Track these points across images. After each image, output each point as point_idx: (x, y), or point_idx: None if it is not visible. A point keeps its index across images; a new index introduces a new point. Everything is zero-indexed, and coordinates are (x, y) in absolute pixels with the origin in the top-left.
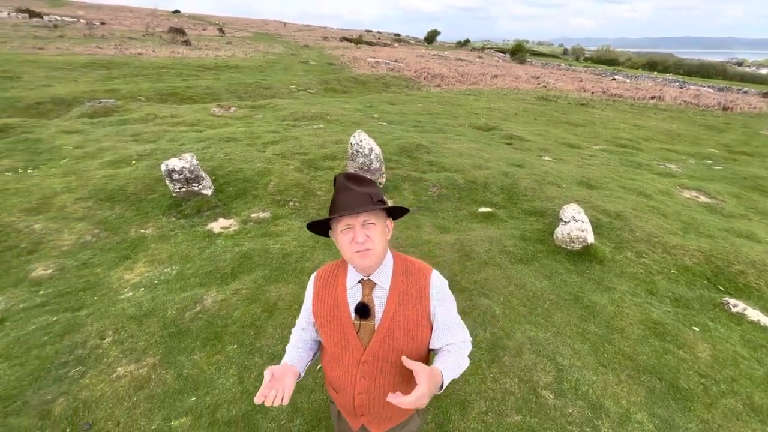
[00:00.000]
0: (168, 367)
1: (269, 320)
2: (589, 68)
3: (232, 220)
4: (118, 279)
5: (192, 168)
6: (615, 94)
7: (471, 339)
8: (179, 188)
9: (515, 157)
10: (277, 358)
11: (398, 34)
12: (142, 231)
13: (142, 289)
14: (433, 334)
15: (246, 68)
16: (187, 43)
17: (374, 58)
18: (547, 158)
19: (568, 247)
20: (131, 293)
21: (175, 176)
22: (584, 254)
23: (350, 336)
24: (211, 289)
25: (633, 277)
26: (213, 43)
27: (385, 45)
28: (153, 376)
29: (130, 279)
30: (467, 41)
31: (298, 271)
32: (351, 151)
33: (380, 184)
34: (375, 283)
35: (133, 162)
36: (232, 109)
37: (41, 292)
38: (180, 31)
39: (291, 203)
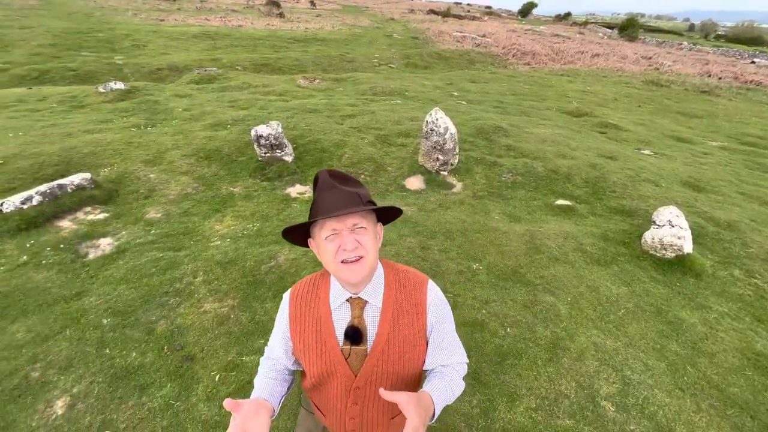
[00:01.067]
0: (244, 310)
1: None
2: (719, 48)
3: (307, 186)
4: (209, 228)
5: (277, 135)
6: (751, 81)
7: (468, 361)
8: (264, 153)
9: (607, 148)
10: None
11: (489, 7)
12: (232, 189)
13: (228, 239)
14: (427, 353)
15: (332, 41)
16: (281, 15)
17: (460, 32)
18: (647, 152)
19: (658, 254)
20: (219, 242)
21: (262, 141)
22: (677, 264)
23: (339, 364)
24: (284, 248)
25: (738, 298)
26: (304, 16)
27: (474, 18)
28: (232, 316)
29: (219, 230)
30: (568, 14)
31: None
32: (426, 129)
33: (452, 165)
34: (366, 302)
35: (228, 126)
36: (317, 81)
37: (152, 232)
38: (275, 4)
39: (362, 176)
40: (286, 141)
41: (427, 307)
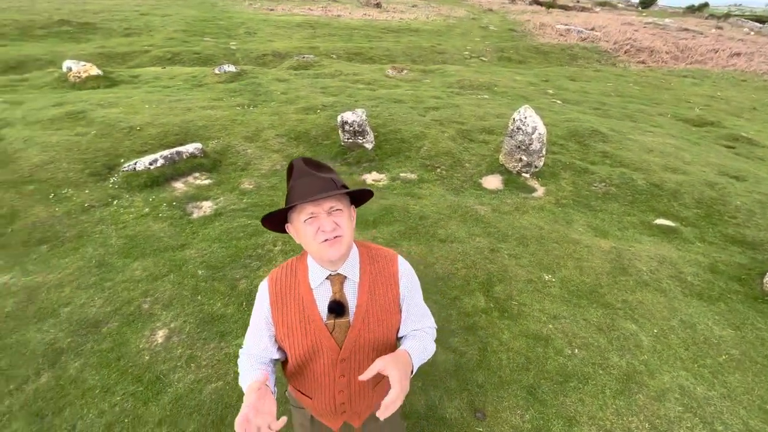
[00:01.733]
0: None
1: None
2: None
3: (383, 174)
4: None
5: (361, 122)
6: None
7: (436, 326)
8: (347, 139)
9: (733, 166)
10: None
11: None
12: None
13: None
14: (401, 322)
15: (425, 32)
16: (378, 5)
17: (565, 24)
18: None
19: None
20: None
21: (347, 128)
22: None
23: (324, 338)
24: (356, 229)
25: None
26: (400, 6)
27: (583, 9)
28: None
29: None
30: (704, 5)
31: (430, 235)
32: (511, 127)
33: (535, 167)
34: (345, 277)
35: (318, 111)
36: (405, 71)
37: (244, 200)
38: None
39: (438, 170)
40: (368, 129)
41: (399, 279)
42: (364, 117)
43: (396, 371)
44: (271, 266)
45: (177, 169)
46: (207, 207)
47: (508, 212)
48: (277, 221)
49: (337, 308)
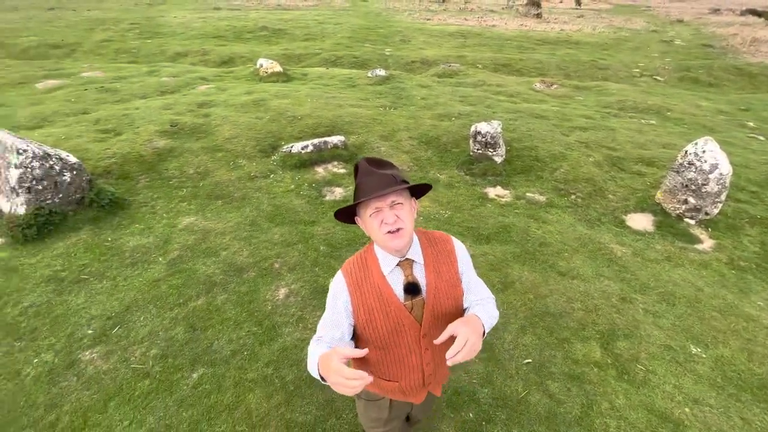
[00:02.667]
0: None
1: (501, 293)
2: None
3: (508, 191)
4: None
5: (494, 134)
6: None
7: (494, 297)
8: (477, 149)
9: None
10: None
11: None
12: (438, 175)
13: (421, 218)
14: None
15: (587, 44)
16: (538, 15)
17: None
18: None
19: None
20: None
21: (479, 138)
22: None
23: (404, 318)
24: (467, 240)
25: None
26: (563, 16)
27: None
28: None
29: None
30: None
31: (548, 264)
32: (681, 161)
33: (706, 214)
34: (413, 261)
35: (453, 119)
36: (554, 86)
37: None
38: (536, 4)
39: (573, 196)
40: (501, 142)
41: (456, 255)
42: (498, 129)
43: (465, 328)
44: None
45: (321, 156)
46: (338, 192)
47: (655, 260)
48: (348, 215)
49: (413, 288)
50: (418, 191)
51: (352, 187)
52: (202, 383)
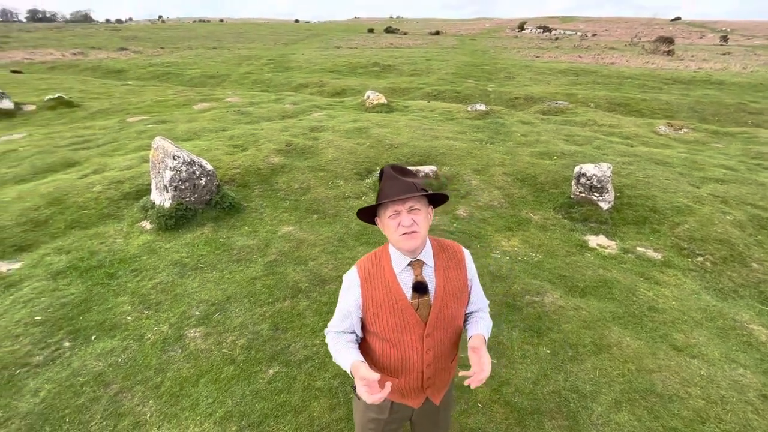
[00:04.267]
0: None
1: (592, 356)
2: None
3: (613, 242)
4: (496, 241)
5: (602, 177)
6: None
7: (488, 301)
8: (579, 192)
9: None
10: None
11: None
12: (531, 215)
13: (507, 257)
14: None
15: (733, 84)
16: (670, 53)
17: None
18: None
19: None
20: (499, 255)
21: (582, 180)
22: None
23: (410, 315)
24: (557, 289)
25: None
26: (702, 53)
27: None
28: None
29: (504, 246)
30: None
31: (659, 334)
32: None
33: None
34: (423, 262)
35: (555, 158)
36: (684, 130)
37: (454, 225)
38: (668, 40)
39: (700, 258)
40: (609, 187)
41: (466, 264)
42: (608, 173)
43: (488, 357)
44: None
45: None
46: None
47: None
48: (369, 215)
49: (421, 287)
50: (435, 200)
51: (437, 219)
52: (276, 380)
